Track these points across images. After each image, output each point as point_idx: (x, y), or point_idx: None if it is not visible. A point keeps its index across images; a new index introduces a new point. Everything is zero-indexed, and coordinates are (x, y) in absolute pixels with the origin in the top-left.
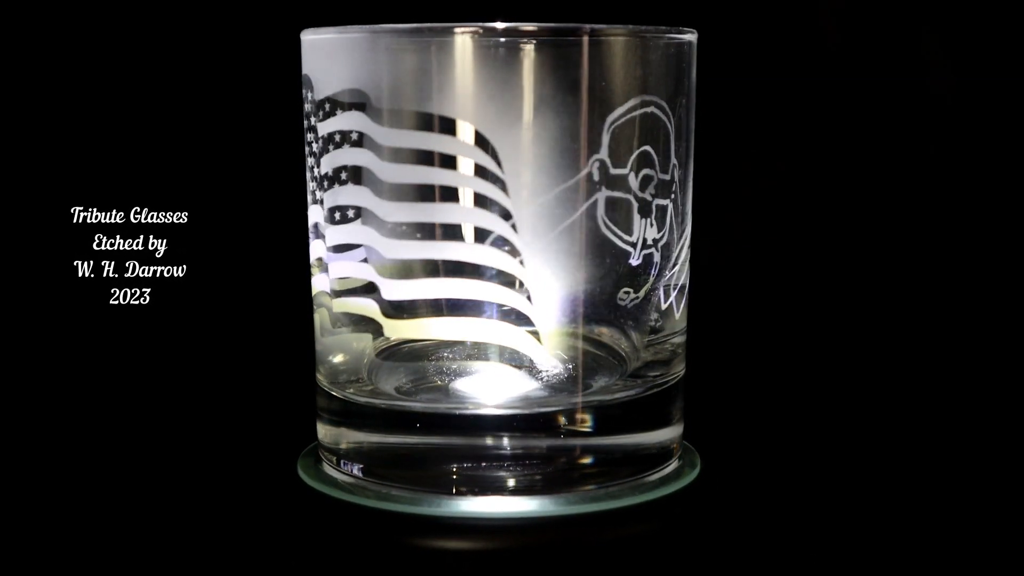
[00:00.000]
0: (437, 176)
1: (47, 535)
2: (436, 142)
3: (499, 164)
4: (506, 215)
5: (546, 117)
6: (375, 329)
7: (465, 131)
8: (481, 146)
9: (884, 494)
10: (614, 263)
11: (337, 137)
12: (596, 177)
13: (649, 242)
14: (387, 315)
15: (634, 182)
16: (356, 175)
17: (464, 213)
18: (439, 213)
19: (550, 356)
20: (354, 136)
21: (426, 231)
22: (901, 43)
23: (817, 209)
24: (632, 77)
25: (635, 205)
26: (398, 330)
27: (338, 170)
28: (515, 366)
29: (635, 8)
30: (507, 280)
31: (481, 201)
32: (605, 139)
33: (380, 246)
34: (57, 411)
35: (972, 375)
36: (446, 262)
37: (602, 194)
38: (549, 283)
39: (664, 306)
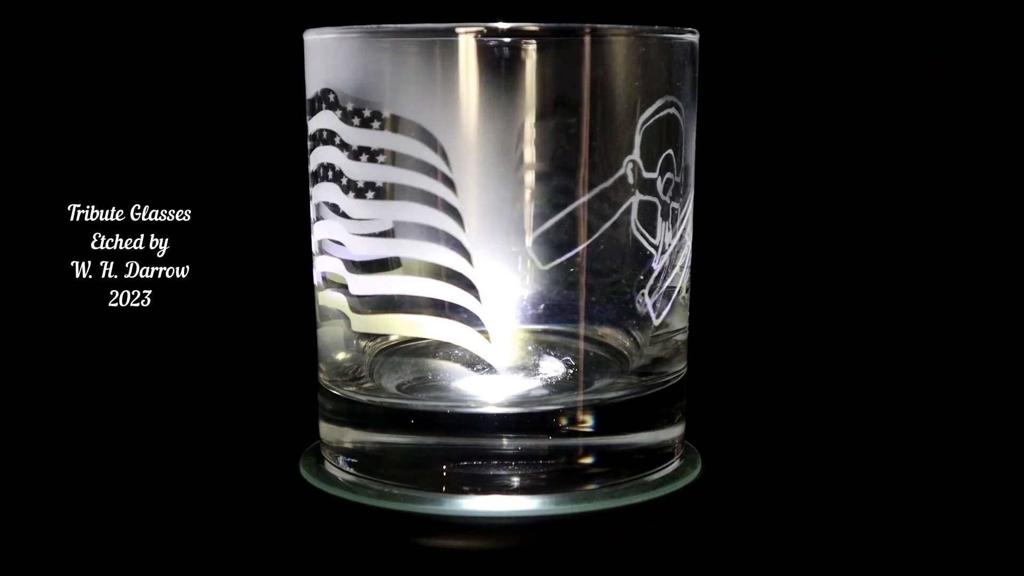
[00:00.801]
0: (390, 175)
1: (52, 533)
2: (391, 141)
3: (447, 162)
4: (456, 214)
5: (557, 120)
6: (347, 323)
7: (413, 129)
8: (431, 145)
9: (885, 493)
10: (636, 266)
11: (316, 135)
12: (631, 180)
13: (668, 245)
14: (354, 309)
15: (660, 184)
16: (328, 172)
17: (413, 211)
18: (393, 211)
19: (502, 355)
20: (326, 134)
21: (383, 229)
22: (902, 46)
23: (819, 209)
24: (658, 78)
25: (659, 208)
26: (363, 324)
27: (318, 167)
28: (518, 365)
29: (613, 8)
30: (461, 279)
31: (431, 199)
32: (637, 140)
33: (347, 242)
34: (55, 416)
35: (972, 372)
36: (401, 258)
37: (636, 198)
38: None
39: (668, 306)
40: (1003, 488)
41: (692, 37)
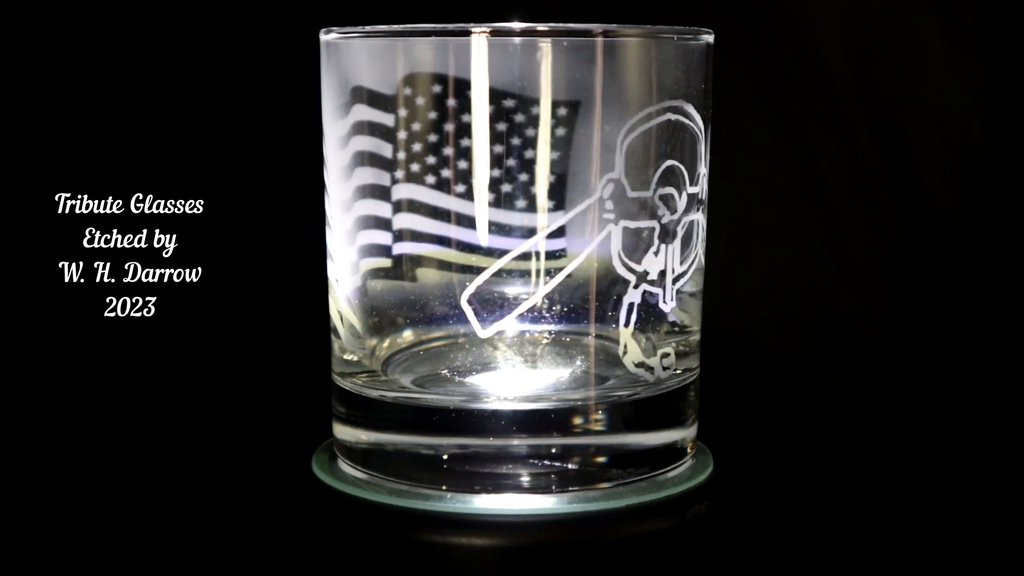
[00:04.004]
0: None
1: (63, 528)
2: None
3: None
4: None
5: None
6: None
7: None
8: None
9: (896, 493)
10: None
11: None
12: (610, 206)
13: (676, 268)
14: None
15: (660, 203)
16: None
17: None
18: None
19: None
20: None
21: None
22: (904, 48)
23: (827, 208)
24: (660, 80)
25: (657, 230)
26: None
27: None
28: (529, 364)
29: (609, 10)
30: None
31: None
32: (619, 155)
33: None
34: (50, 431)
35: (980, 370)
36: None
37: (619, 227)
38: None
39: (681, 309)
40: (1007, 486)
41: (706, 37)
